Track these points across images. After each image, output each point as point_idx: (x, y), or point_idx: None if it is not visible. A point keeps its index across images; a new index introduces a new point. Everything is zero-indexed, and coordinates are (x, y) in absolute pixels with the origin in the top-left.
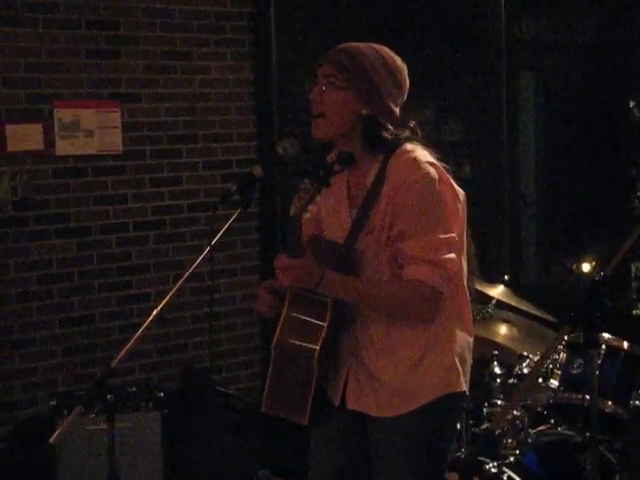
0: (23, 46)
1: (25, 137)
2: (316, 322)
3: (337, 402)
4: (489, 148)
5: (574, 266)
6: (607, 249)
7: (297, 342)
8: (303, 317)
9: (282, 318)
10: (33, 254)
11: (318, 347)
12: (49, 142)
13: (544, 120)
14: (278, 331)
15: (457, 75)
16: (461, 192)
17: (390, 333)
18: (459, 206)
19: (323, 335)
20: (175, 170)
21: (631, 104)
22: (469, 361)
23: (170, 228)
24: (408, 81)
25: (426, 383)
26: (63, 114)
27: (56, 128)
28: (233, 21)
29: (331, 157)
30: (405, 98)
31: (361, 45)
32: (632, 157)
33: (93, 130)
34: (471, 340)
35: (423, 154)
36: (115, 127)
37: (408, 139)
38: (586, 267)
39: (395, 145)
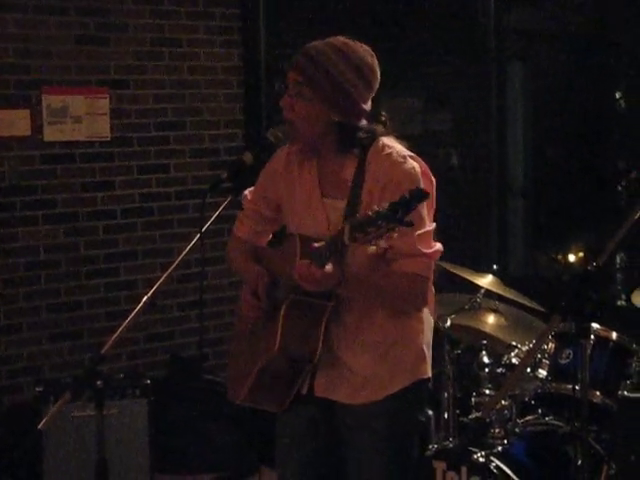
0: (12, 32)
1: (13, 123)
2: (314, 327)
3: (304, 390)
4: (477, 138)
5: (560, 256)
6: (594, 239)
7: (295, 351)
8: (301, 324)
9: (280, 325)
10: (20, 240)
11: (317, 354)
12: (37, 128)
13: (532, 110)
14: (278, 339)
15: (445, 64)
16: (433, 179)
17: (362, 321)
18: (434, 194)
19: (320, 341)
20: (163, 157)
21: (617, 95)
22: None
23: (158, 215)
24: (378, 73)
25: (397, 371)
26: (51, 100)
27: (44, 114)
28: (222, 8)
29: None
30: (376, 88)
31: (325, 47)
32: (619, 148)
33: (81, 116)
34: (433, 324)
35: (400, 148)
36: (103, 114)
37: (381, 133)
38: (572, 257)
39: (371, 140)
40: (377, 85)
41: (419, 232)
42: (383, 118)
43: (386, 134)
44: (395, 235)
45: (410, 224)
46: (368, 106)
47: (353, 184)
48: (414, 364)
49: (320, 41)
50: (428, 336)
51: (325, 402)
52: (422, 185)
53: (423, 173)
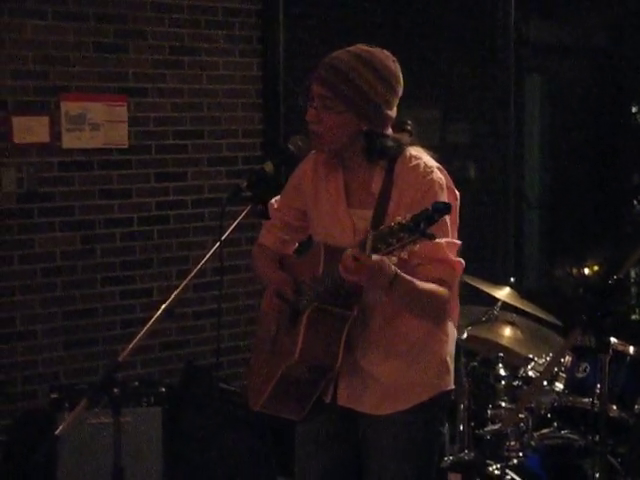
0: (31, 38)
1: (31, 129)
2: (335, 337)
3: (328, 399)
4: (495, 150)
5: (575, 270)
6: (609, 253)
7: (316, 358)
8: (323, 332)
9: (302, 333)
10: (37, 247)
11: (337, 363)
12: (55, 135)
13: (549, 123)
14: (299, 346)
15: (464, 76)
16: (457, 193)
17: (386, 331)
18: (457, 208)
19: (341, 351)
20: (180, 165)
21: (634, 109)
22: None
23: (174, 223)
24: (401, 78)
25: (420, 381)
26: (70, 107)
27: (63, 121)
28: (242, 17)
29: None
30: (400, 93)
31: (347, 56)
32: (634, 162)
33: (99, 124)
34: (456, 335)
35: (428, 159)
36: (122, 121)
37: (409, 143)
38: (587, 271)
39: (399, 151)
40: (401, 90)
41: (446, 240)
42: (409, 127)
43: (413, 144)
44: (417, 247)
45: (432, 237)
46: (394, 112)
47: (380, 195)
48: (438, 375)
49: (341, 50)
50: (451, 347)
51: (347, 411)
52: (445, 198)
53: (448, 186)
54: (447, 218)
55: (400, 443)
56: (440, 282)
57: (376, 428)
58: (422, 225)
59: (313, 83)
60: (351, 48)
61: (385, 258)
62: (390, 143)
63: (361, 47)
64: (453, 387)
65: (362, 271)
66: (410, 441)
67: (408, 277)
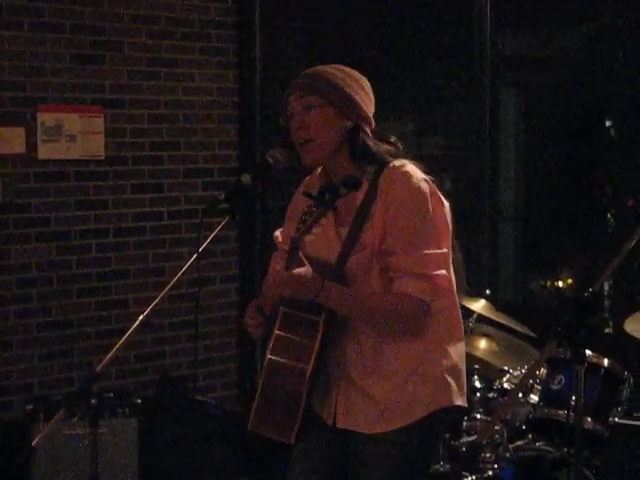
0: (7, 49)
1: (7, 140)
2: (307, 342)
3: (330, 421)
4: (470, 163)
5: (549, 283)
6: (583, 266)
7: (288, 362)
8: (294, 337)
9: (272, 338)
10: (12, 258)
11: (310, 367)
12: (31, 146)
13: (524, 136)
14: (269, 351)
15: (440, 89)
16: (447, 205)
17: (380, 348)
18: (447, 220)
19: (314, 355)
20: (156, 177)
21: (607, 123)
22: (463, 372)
23: (150, 235)
24: (372, 94)
25: (416, 399)
26: (46, 118)
27: (39, 132)
28: (218, 29)
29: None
30: (373, 106)
31: (326, 67)
32: (608, 176)
33: (76, 135)
34: (463, 349)
35: (413, 169)
36: (98, 132)
37: (395, 154)
38: (561, 284)
39: (383, 161)
40: (373, 104)
41: (421, 253)
42: (392, 140)
43: (398, 156)
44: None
45: (334, 208)
46: (371, 114)
47: (359, 209)
48: (434, 393)
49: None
50: (453, 362)
51: (343, 434)
52: (431, 208)
53: (433, 195)
54: (427, 228)
55: (388, 460)
56: (408, 297)
57: (367, 444)
58: (327, 196)
59: (291, 96)
60: (327, 66)
61: (306, 271)
62: (374, 147)
63: (336, 65)
64: (454, 403)
65: (287, 284)
66: (399, 459)
67: (348, 291)
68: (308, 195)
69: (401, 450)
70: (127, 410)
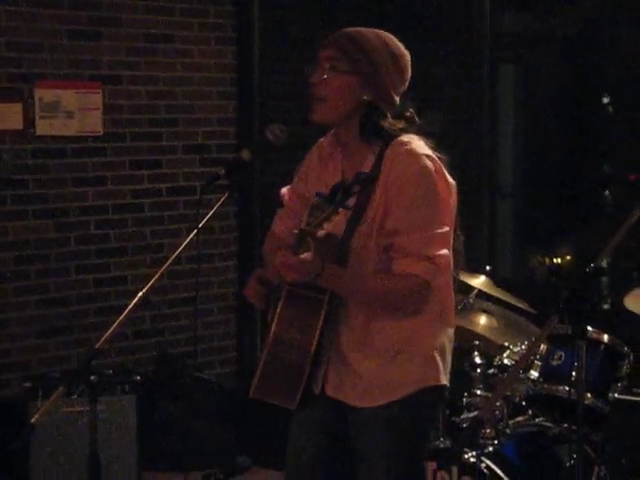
0: (4, 25)
1: (4, 116)
2: (311, 318)
3: (317, 390)
4: (468, 140)
5: (548, 259)
6: (582, 243)
7: (293, 336)
8: (299, 313)
9: (278, 313)
10: (10, 234)
11: (314, 342)
12: (29, 122)
13: (523, 113)
14: (275, 324)
15: (438, 66)
16: (453, 183)
17: (370, 325)
18: (452, 198)
19: (317, 331)
20: (155, 153)
21: (605, 100)
22: (449, 354)
23: (149, 211)
24: (410, 69)
25: (404, 376)
26: (44, 94)
27: (36, 108)
28: (217, 5)
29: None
30: (406, 86)
31: (365, 30)
32: (607, 153)
33: (73, 111)
34: (452, 332)
35: (419, 145)
36: (96, 109)
37: (404, 129)
38: (559, 260)
39: (392, 136)
40: (407, 81)
41: (426, 234)
42: (409, 114)
43: (408, 130)
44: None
45: (348, 207)
46: (397, 99)
47: (363, 184)
48: (422, 370)
49: (362, 27)
50: (442, 342)
51: (336, 404)
52: (434, 186)
53: (438, 174)
54: (431, 207)
55: (383, 437)
56: (411, 277)
57: (360, 420)
58: (339, 196)
59: (325, 48)
60: (373, 29)
61: (308, 256)
62: (385, 124)
63: (384, 32)
64: (442, 382)
65: (285, 267)
66: (393, 435)
67: (349, 274)
68: (320, 195)
69: (393, 426)
70: (126, 387)
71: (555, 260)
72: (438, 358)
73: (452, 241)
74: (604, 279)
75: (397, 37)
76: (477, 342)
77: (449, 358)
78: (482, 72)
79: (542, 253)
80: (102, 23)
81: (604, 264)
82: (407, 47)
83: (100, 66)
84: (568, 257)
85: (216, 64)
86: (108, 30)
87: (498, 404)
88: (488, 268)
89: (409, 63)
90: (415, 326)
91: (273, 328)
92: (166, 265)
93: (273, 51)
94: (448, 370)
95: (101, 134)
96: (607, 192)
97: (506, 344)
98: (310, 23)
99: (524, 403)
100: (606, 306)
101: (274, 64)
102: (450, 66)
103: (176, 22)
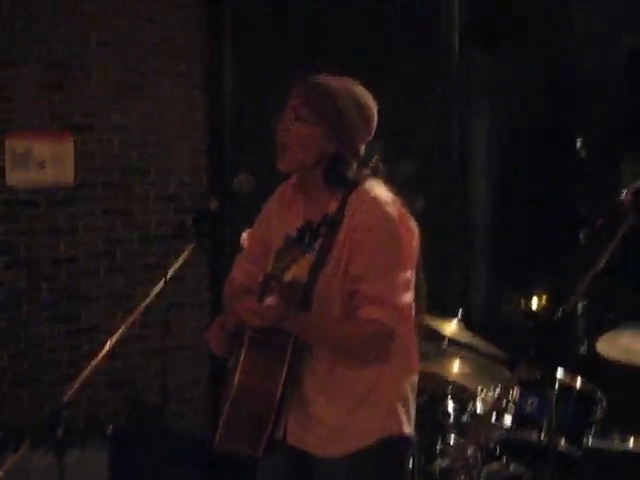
0: None
1: None
2: (275, 364)
3: (279, 435)
4: (441, 183)
5: (522, 302)
6: (555, 285)
7: (258, 384)
8: (263, 361)
9: (242, 361)
10: None
11: (279, 390)
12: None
13: (496, 153)
14: (239, 373)
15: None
16: (415, 229)
17: (333, 371)
18: (414, 244)
19: (282, 379)
20: (127, 202)
21: (578, 143)
22: (413, 403)
23: (121, 260)
24: (376, 119)
25: (367, 425)
26: (15, 145)
27: (7, 159)
28: (188, 57)
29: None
30: (372, 136)
31: (332, 80)
32: (580, 196)
33: (45, 161)
34: (415, 379)
35: (382, 192)
36: (68, 158)
37: (368, 176)
38: (535, 302)
39: (355, 183)
40: (373, 131)
41: (389, 280)
42: (374, 163)
43: (373, 176)
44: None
45: (315, 250)
46: (362, 150)
47: (328, 227)
48: (384, 420)
49: (327, 76)
50: (405, 390)
51: (300, 452)
52: (397, 233)
53: (401, 221)
54: (394, 254)
55: None
56: (375, 323)
57: (323, 470)
58: (307, 238)
59: (291, 97)
60: (341, 78)
61: (272, 301)
62: (350, 174)
63: (351, 81)
64: (404, 433)
65: (248, 313)
66: None
67: (313, 319)
68: (288, 238)
69: (356, 476)
70: (97, 440)
71: (530, 303)
72: (401, 409)
73: (414, 284)
74: (580, 322)
75: (367, 85)
76: (450, 388)
77: (413, 407)
78: (452, 113)
79: (517, 294)
80: (72, 73)
81: (578, 307)
82: (376, 96)
83: (71, 116)
84: (544, 298)
85: (187, 113)
86: (79, 80)
87: (471, 451)
88: (460, 311)
89: (375, 113)
90: (378, 373)
91: (237, 376)
92: (134, 315)
93: (245, 100)
94: (412, 419)
95: (73, 184)
96: (581, 235)
97: (479, 389)
98: (281, 70)
99: (498, 450)
100: (582, 349)
101: (245, 113)
102: (422, 109)
103: (147, 71)
